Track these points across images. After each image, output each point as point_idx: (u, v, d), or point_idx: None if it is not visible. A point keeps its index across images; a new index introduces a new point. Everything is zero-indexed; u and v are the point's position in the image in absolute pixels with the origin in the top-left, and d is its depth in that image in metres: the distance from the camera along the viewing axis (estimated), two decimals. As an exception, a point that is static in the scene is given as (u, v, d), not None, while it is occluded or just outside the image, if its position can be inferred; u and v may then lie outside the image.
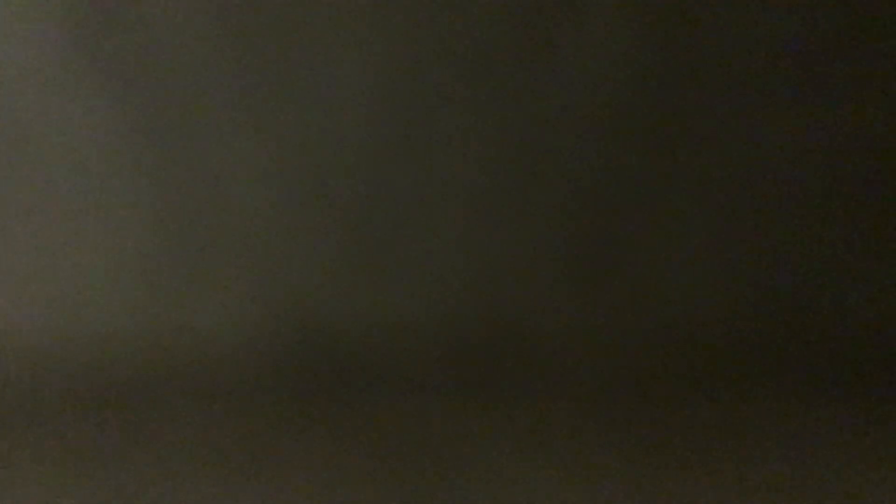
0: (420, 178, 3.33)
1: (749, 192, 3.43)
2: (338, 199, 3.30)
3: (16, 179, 3.20)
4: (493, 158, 3.35)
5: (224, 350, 3.15)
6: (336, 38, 3.28)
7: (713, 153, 3.41)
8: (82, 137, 3.21)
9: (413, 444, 2.60)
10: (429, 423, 2.76)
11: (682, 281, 3.38)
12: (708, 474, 2.40)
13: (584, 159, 3.37)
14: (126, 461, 2.47)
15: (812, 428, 2.73)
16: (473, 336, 3.25)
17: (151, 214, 3.24)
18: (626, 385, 3.08)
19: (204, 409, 2.85)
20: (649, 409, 2.88)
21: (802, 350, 3.28)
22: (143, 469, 2.42)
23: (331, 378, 3.09)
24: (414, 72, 3.32)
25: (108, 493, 2.27)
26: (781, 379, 3.13)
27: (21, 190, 3.20)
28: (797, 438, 2.64)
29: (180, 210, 3.25)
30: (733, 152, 3.42)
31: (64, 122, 3.20)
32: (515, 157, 3.35)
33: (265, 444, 2.59)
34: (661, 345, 3.26)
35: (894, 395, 3.00)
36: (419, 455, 2.52)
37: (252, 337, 3.19)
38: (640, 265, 3.39)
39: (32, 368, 3.04)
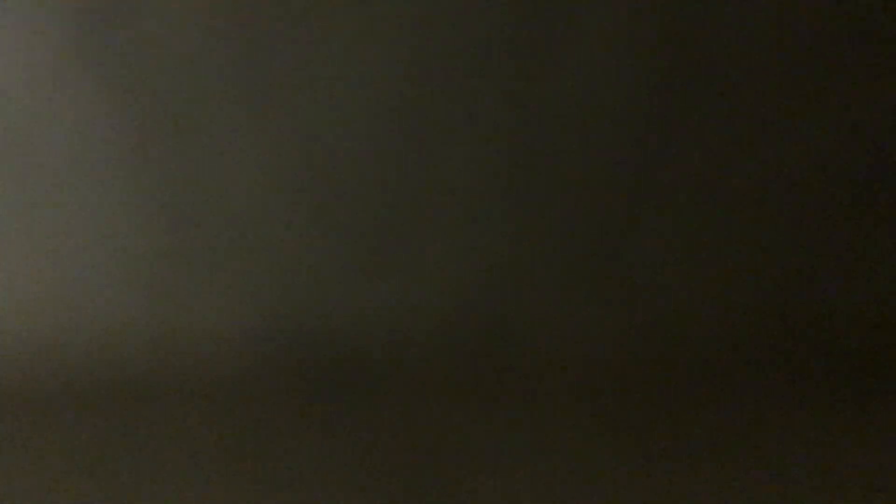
0: (419, 177, 3.33)
1: (748, 192, 3.43)
2: (338, 199, 3.30)
3: (15, 179, 3.20)
4: (493, 158, 3.35)
5: (224, 350, 3.15)
6: (337, 37, 3.28)
7: (712, 153, 3.41)
8: (81, 137, 3.21)
9: (413, 443, 2.60)
10: (428, 422, 2.76)
11: (681, 280, 3.38)
12: (706, 473, 2.40)
13: (584, 159, 3.38)
14: (126, 461, 2.47)
15: (810, 427, 2.73)
16: (473, 336, 3.25)
17: (151, 214, 3.24)
18: (624, 384, 3.08)
19: (204, 409, 2.85)
20: (648, 408, 2.88)
21: (801, 349, 3.28)
22: (143, 469, 2.42)
23: (331, 378, 3.09)
24: (415, 71, 3.32)
25: (108, 493, 2.27)
26: (780, 378, 3.13)
27: (20, 190, 3.20)
28: (795, 438, 2.64)
29: (180, 210, 3.25)
30: (732, 152, 3.42)
31: (63, 121, 3.20)
32: (515, 157, 3.36)
33: (265, 444, 2.59)
34: (659, 344, 3.26)
35: (894, 394, 3.00)
36: (419, 455, 2.52)
37: (252, 337, 3.19)
38: (639, 265, 3.39)
39: (32, 368, 3.04)
